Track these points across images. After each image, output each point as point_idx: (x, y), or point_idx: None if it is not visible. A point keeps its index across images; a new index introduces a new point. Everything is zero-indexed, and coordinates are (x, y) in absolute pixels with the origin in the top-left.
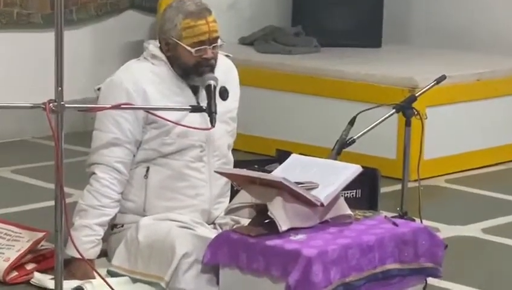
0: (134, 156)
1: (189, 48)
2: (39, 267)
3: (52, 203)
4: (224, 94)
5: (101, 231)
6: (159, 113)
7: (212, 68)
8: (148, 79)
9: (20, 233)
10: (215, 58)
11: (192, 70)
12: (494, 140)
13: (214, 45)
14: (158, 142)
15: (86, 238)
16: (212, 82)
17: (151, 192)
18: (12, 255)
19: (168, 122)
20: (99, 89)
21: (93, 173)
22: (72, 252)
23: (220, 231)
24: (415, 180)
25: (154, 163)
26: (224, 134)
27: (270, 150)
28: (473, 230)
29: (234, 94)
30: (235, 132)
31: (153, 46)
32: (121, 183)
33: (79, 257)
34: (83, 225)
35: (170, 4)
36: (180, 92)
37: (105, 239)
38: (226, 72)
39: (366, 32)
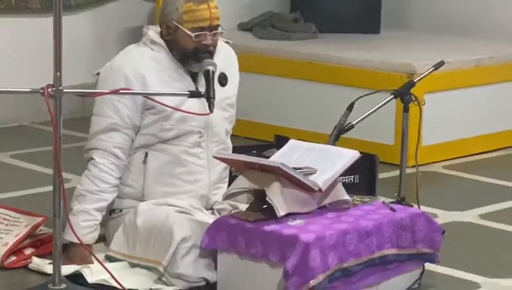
0: (132, 141)
1: (189, 32)
2: (37, 252)
3: (50, 188)
4: (223, 80)
5: (99, 216)
6: (157, 98)
7: (211, 55)
8: (147, 65)
9: (19, 218)
10: (214, 45)
11: (190, 55)
12: (492, 126)
13: (214, 32)
14: (157, 128)
15: (84, 223)
16: (210, 67)
17: (149, 177)
18: (11, 239)
19: (167, 108)
20: (98, 74)
21: (91, 159)
22: (70, 237)
23: (218, 216)
24: (413, 166)
25: (153, 149)
26: (222, 120)
27: (268, 135)
28: (471, 216)
29: (233, 81)
30: (234, 119)
31: (152, 32)
32: (119, 168)
33: (77, 242)
34: (81, 210)
35: None
36: (180, 78)
37: (103, 224)
38: (225, 58)
39: (365, 18)
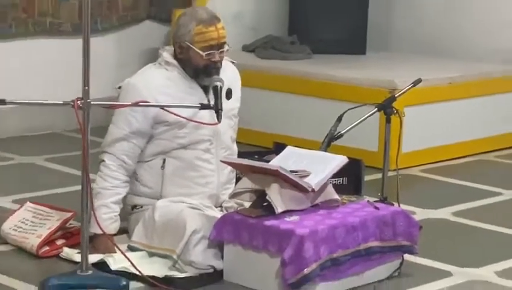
0: (141, 150)
1: (200, 52)
2: (67, 243)
3: (79, 187)
4: (229, 95)
5: (117, 208)
6: (171, 111)
7: (218, 70)
8: (162, 85)
9: (51, 213)
10: (221, 61)
11: (201, 71)
12: (464, 135)
13: (221, 50)
14: (172, 134)
15: (105, 216)
16: (218, 83)
17: (167, 180)
18: (44, 232)
19: (180, 119)
20: (119, 87)
21: (103, 161)
22: (94, 229)
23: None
24: (394, 170)
25: (169, 155)
26: (228, 128)
27: (268, 142)
28: (444, 213)
29: (236, 95)
30: (237, 126)
31: (166, 53)
32: (127, 169)
33: (101, 233)
34: (100, 204)
35: (184, 12)
36: (193, 91)
37: (125, 218)
38: (231, 76)
39: (353, 41)
